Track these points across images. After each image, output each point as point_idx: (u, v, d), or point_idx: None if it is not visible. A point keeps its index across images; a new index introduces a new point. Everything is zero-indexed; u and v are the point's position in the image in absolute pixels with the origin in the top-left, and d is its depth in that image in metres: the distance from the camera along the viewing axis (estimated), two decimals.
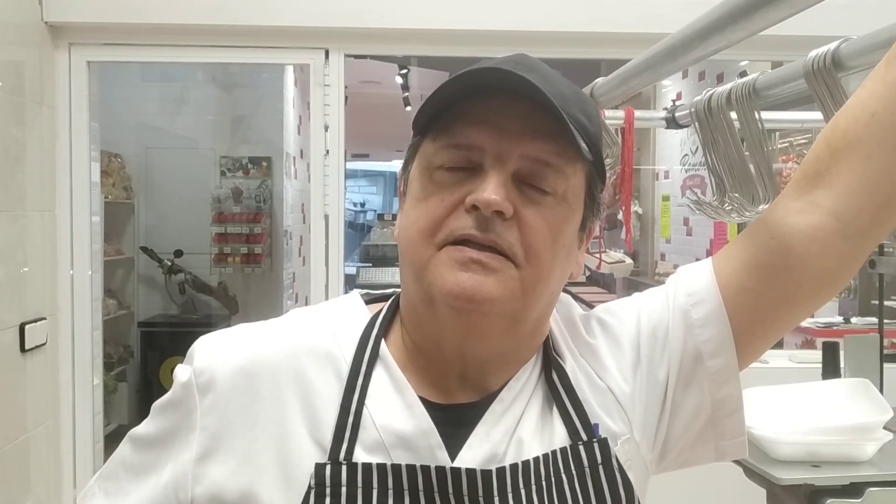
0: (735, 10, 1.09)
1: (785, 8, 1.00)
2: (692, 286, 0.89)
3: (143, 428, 0.88)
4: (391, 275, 6.89)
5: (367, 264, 7.56)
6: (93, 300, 3.21)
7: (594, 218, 0.86)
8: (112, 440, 3.86)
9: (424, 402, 0.82)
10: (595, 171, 0.84)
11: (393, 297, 0.91)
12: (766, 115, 1.86)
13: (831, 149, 0.85)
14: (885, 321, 2.23)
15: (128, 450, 0.88)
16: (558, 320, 0.91)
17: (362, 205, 17.13)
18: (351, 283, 6.10)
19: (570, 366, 0.88)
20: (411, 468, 0.78)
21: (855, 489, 1.69)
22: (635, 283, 6.05)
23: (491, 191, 0.76)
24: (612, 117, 2.24)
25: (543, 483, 0.81)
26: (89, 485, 0.90)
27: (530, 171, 0.78)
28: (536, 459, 0.81)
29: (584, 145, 0.77)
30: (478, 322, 0.80)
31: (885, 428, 1.78)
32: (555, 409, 0.85)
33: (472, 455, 0.80)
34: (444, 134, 0.80)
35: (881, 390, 1.98)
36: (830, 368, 2.17)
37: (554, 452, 0.82)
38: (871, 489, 1.68)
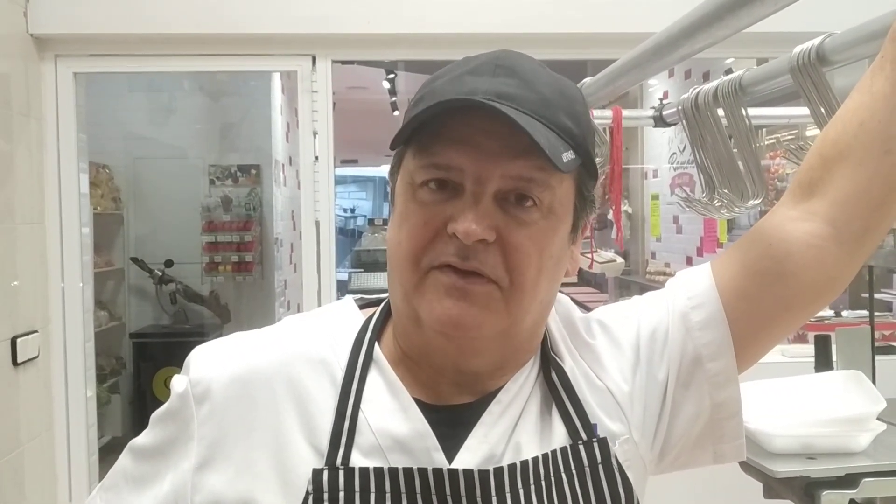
0: (721, 7, 1.11)
1: (770, 4, 1.01)
2: (692, 290, 0.90)
3: (143, 439, 0.88)
4: (383, 280, 6.87)
5: (358, 270, 7.57)
6: (84, 312, 3.20)
7: (586, 216, 0.86)
8: (106, 452, 3.85)
9: (419, 403, 0.82)
10: (585, 170, 0.83)
11: (386, 300, 0.91)
12: (752, 111, 1.87)
13: (823, 159, 0.88)
14: (876, 313, 2.25)
15: (128, 461, 0.89)
16: (557, 321, 0.91)
17: (352, 210, 17.12)
18: (343, 288, 6.10)
19: (569, 366, 0.88)
20: (408, 471, 0.78)
21: (850, 480, 1.70)
22: (626, 282, 6.08)
23: (471, 220, 0.74)
24: (601, 117, 2.25)
25: (543, 483, 0.81)
26: (91, 496, 0.91)
27: (513, 188, 0.77)
28: (535, 459, 0.81)
29: (567, 156, 0.76)
30: (468, 343, 0.81)
31: (878, 419, 1.79)
32: (554, 408, 0.85)
33: (470, 457, 0.80)
34: (423, 152, 0.78)
35: (873, 382, 2.00)
36: (823, 361, 2.18)
37: (553, 452, 0.82)
38: (866, 480, 1.69)
